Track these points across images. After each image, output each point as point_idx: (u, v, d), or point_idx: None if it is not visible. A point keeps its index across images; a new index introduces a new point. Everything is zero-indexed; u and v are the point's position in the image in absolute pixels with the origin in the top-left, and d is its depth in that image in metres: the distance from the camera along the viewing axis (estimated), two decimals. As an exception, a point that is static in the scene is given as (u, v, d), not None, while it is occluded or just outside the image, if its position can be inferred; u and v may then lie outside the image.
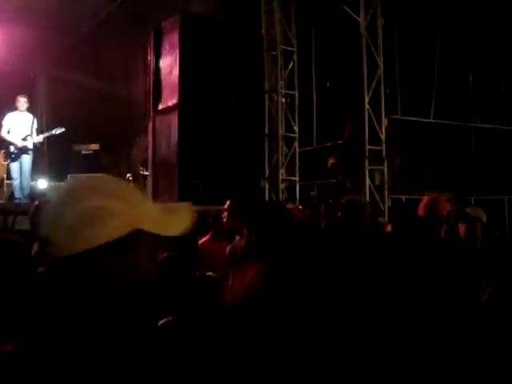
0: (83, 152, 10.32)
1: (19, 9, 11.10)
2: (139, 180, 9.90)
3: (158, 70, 9.57)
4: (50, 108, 11.77)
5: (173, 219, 1.22)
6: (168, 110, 9.21)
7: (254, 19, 10.34)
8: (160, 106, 9.45)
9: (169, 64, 9.32)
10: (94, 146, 10.33)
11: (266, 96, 10.37)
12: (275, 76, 10.32)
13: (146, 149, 9.65)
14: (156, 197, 8.99)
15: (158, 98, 9.48)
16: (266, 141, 10.28)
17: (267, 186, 10.15)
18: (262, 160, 10.15)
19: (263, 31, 10.47)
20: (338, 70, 10.32)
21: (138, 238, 1.16)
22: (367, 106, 9.60)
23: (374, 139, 9.73)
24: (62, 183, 1.26)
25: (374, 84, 9.62)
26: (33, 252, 2.19)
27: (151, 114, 9.52)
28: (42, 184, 10.36)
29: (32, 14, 11.24)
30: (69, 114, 11.54)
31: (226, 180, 8.76)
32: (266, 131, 10.26)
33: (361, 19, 9.65)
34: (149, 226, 1.17)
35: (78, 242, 1.10)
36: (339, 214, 3.87)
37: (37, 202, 3.68)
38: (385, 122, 9.75)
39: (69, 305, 1.12)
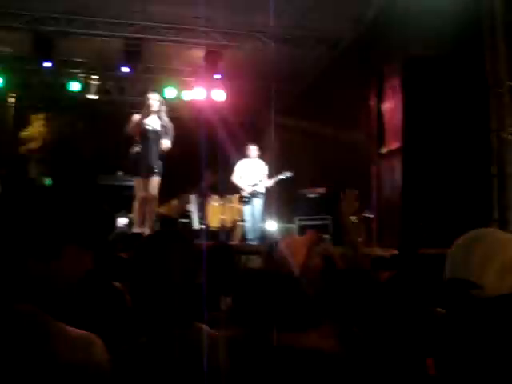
0: (309, 195, 10.77)
1: (245, 63, 12.09)
2: (362, 222, 10.03)
3: (380, 113, 9.74)
4: (278, 154, 12.54)
5: None
6: (391, 154, 9.30)
7: (478, 55, 10.03)
8: (383, 150, 9.58)
9: (391, 107, 9.44)
10: (320, 190, 10.73)
11: (493, 135, 9.88)
12: (502, 114, 9.82)
13: (370, 192, 9.78)
14: (380, 238, 9.08)
15: (381, 141, 9.64)
16: (495, 181, 9.74)
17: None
18: (490, 202, 9.67)
19: (487, 67, 10.08)
20: None
21: None
22: None
23: None
24: (487, 234, 1.47)
25: None
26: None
27: (375, 157, 9.69)
28: (272, 226, 11.00)
29: (257, 68, 12.16)
30: (295, 159, 12.15)
31: (452, 222, 8.53)
32: (494, 171, 9.73)
33: None
34: None
35: (504, 286, 1.30)
36: None
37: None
38: None
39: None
